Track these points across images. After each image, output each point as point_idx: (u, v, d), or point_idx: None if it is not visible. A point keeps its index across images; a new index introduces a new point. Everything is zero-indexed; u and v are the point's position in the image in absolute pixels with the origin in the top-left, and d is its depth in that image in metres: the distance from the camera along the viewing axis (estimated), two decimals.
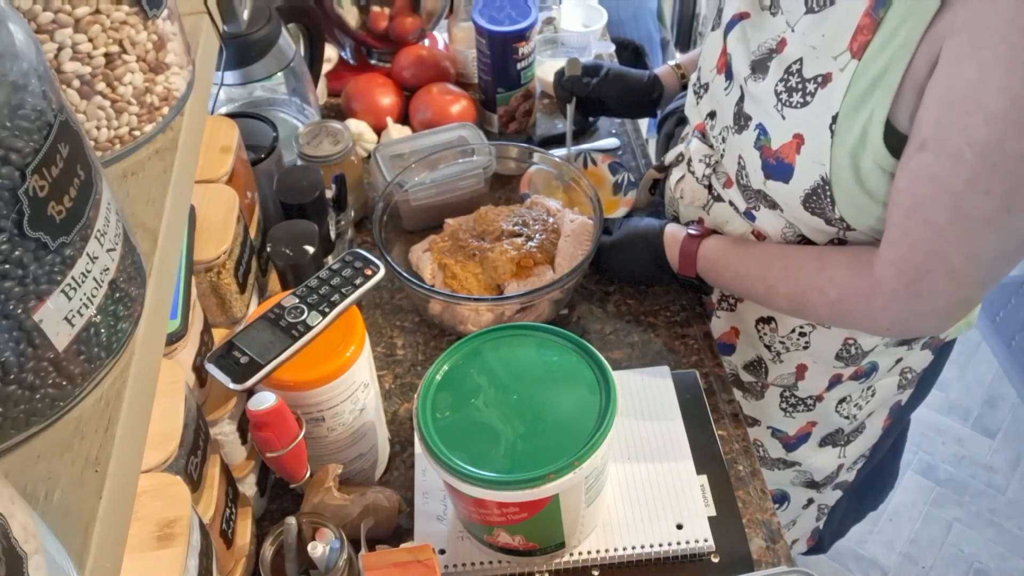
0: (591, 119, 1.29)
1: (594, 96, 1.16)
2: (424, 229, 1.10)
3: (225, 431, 0.77)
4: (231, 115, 1.01)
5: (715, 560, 0.81)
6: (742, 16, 0.87)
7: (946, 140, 0.69)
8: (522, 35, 1.17)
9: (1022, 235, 0.73)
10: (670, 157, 1.06)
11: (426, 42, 1.40)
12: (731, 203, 0.95)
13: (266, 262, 0.95)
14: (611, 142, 1.30)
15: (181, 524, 0.57)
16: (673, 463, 0.86)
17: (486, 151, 1.11)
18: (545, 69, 1.37)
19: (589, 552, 0.80)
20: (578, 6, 1.51)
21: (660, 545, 0.80)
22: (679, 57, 1.23)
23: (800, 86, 0.78)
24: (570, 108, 1.17)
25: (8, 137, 0.32)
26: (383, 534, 0.83)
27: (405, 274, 0.95)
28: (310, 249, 0.86)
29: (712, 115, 0.95)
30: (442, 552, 0.80)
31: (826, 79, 0.76)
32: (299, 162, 1.09)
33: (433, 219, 1.10)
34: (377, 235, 1.00)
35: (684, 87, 1.18)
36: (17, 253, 0.34)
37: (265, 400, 0.69)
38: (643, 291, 1.08)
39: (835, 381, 1.04)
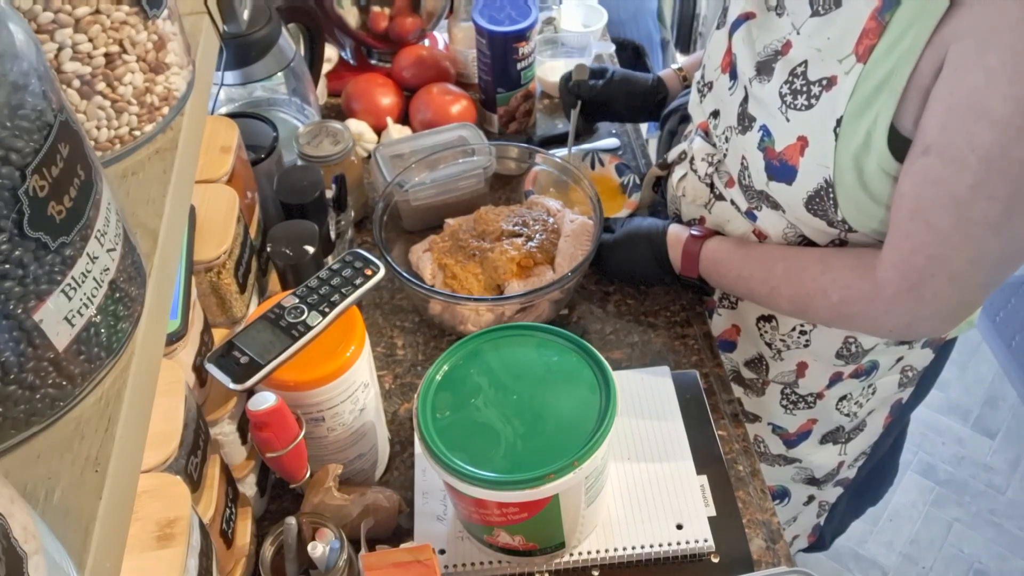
0: (595, 124, 1.29)
1: (600, 99, 1.16)
2: (424, 229, 1.10)
3: (225, 431, 0.77)
4: (231, 115, 1.01)
5: (715, 560, 0.81)
6: (748, 16, 0.87)
7: (950, 145, 0.69)
8: (522, 35, 1.17)
9: (1023, 239, 0.73)
10: (673, 155, 1.06)
11: (426, 42, 1.40)
12: (733, 202, 0.95)
13: (266, 262, 0.95)
14: (611, 142, 1.30)
15: (181, 524, 0.57)
16: (673, 463, 0.86)
17: (486, 151, 1.11)
18: (545, 69, 1.37)
19: (589, 552, 0.80)
20: (578, 6, 1.51)
21: (660, 545, 0.80)
22: (681, 60, 1.23)
23: (805, 89, 0.78)
24: (574, 113, 1.18)
25: (8, 137, 0.32)
26: (383, 534, 0.83)
27: (405, 274, 0.95)
28: (310, 249, 0.86)
29: (715, 114, 0.95)
30: (442, 552, 0.80)
31: (831, 82, 0.76)
32: (299, 162, 1.09)
33: (433, 219, 1.10)
34: (377, 235, 1.00)
35: (686, 90, 1.18)
36: (17, 253, 0.34)
37: (265, 400, 0.69)
38: (643, 291, 1.08)
39: (835, 379, 1.04)
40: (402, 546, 0.72)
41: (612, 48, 1.47)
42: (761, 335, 1.04)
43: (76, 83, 0.48)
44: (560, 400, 0.73)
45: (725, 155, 0.93)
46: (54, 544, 0.31)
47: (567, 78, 1.18)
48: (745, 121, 0.87)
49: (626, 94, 1.17)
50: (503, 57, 1.19)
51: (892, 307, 0.80)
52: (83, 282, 0.37)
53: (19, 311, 0.34)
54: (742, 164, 0.89)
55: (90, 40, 0.48)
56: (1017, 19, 0.64)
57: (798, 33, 0.80)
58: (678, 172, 1.03)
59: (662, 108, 1.19)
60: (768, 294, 0.91)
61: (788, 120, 0.80)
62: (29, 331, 0.35)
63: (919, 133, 0.72)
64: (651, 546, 0.80)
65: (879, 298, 0.80)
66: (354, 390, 0.78)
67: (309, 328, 0.73)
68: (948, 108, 0.69)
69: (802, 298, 0.87)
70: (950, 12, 0.67)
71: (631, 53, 1.59)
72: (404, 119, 1.31)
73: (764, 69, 0.83)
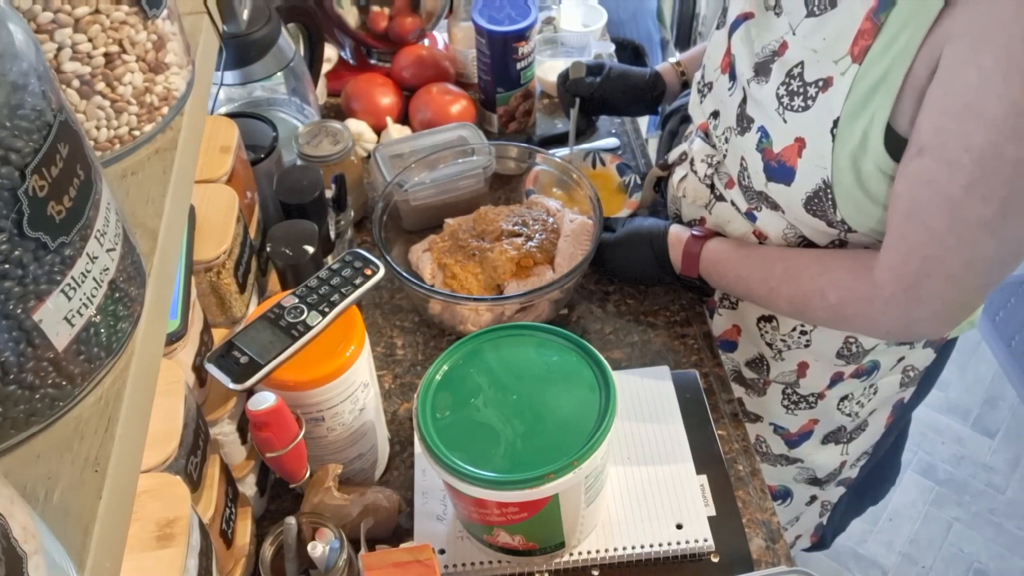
0: (594, 119, 1.30)
1: (598, 95, 1.16)
2: (424, 229, 1.10)
3: (225, 431, 0.77)
4: (231, 115, 1.01)
5: (715, 560, 0.81)
6: (746, 16, 0.87)
7: (945, 146, 0.69)
8: (522, 35, 1.17)
9: (1020, 240, 0.73)
10: (673, 156, 1.06)
11: (426, 42, 1.40)
12: (733, 203, 0.95)
13: (266, 262, 0.95)
14: (611, 142, 1.30)
15: (181, 524, 0.57)
16: (673, 463, 0.86)
17: (486, 151, 1.11)
18: (545, 69, 1.37)
19: (589, 552, 0.80)
20: (578, 6, 1.51)
21: (660, 545, 0.80)
22: (679, 55, 1.23)
23: (801, 90, 0.78)
24: (573, 111, 1.18)
25: (8, 137, 0.32)
26: (383, 534, 0.83)
27: (405, 274, 0.95)
28: (310, 249, 0.86)
29: (715, 115, 0.95)
30: (442, 552, 0.80)
31: (827, 83, 0.76)
32: (299, 162, 1.09)
33: (433, 219, 1.10)
34: (377, 235, 1.00)
35: (684, 84, 1.18)
36: (17, 253, 0.34)
37: (265, 400, 0.69)
38: (643, 291, 1.08)
39: (836, 379, 1.04)
40: (402, 546, 0.72)
41: (612, 48, 1.47)
42: (762, 335, 1.04)
43: (76, 83, 0.48)
44: (560, 400, 0.73)
45: (725, 156, 0.93)
46: (54, 544, 0.31)
47: (564, 76, 1.18)
48: (744, 122, 0.87)
49: (623, 89, 1.17)
50: (503, 57, 1.19)
51: (889, 308, 0.80)
52: (83, 282, 0.37)
53: (19, 311, 0.34)
54: (741, 165, 0.89)
55: (90, 40, 0.48)
56: (1011, 19, 0.64)
57: (794, 34, 0.80)
58: (679, 173, 1.03)
59: (659, 102, 1.19)
60: (767, 295, 0.91)
61: (785, 121, 0.80)
62: (29, 331, 0.35)
63: (914, 133, 0.72)
64: (651, 546, 0.80)
65: (876, 299, 0.80)
66: (354, 390, 0.78)
67: (309, 328, 0.73)
68: (942, 109, 0.69)
69: (800, 299, 0.87)
70: (945, 12, 0.67)
71: (631, 53, 1.59)
72: (404, 119, 1.31)
73: (762, 70, 0.83)
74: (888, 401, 1.11)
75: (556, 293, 0.97)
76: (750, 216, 0.93)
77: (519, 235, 1.03)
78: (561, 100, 1.21)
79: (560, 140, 1.31)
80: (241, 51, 1.07)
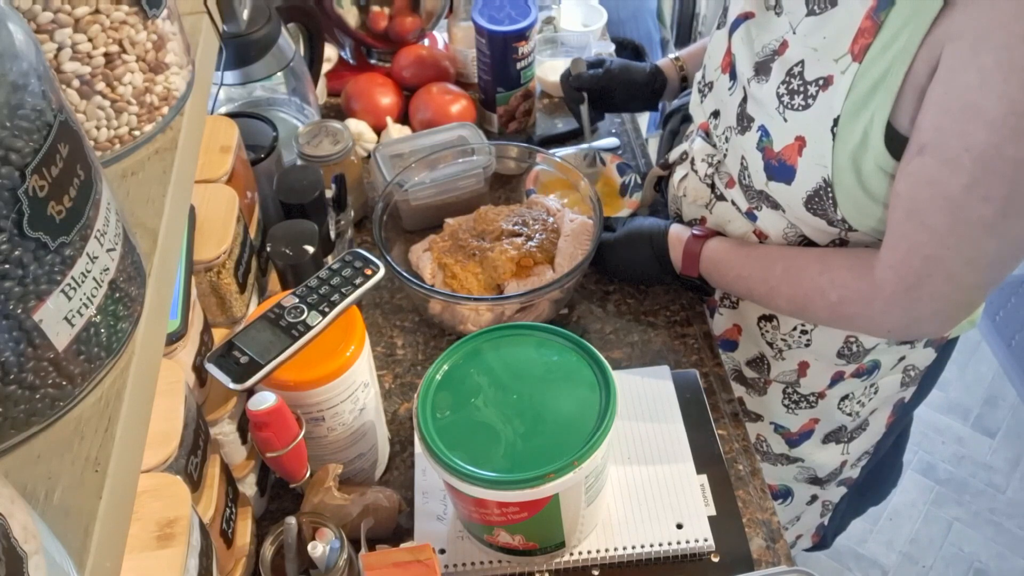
0: (602, 114, 1.30)
1: (600, 88, 1.17)
2: (424, 229, 1.10)
3: (225, 431, 0.77)
4: (231, 115, 1.01)
5: (715, 560, 0.81)
6: (747, 16, 0.87)
7: (945, 145, 0.69)
8: (522, 35, 1.17)
9: (1020, 239, 0.73)
10: (674, 155, 1.06)
11: (426, 42, 1.40)
12: (733, 203, 0.95)
13: (266, 262, 0.95)
14: (611, 141, 1.30)
15: (181, 524, 0.57)
16: (673, 463, 0.86)
17: (486, 151, 1.11)
18: (545, 69, 1.37)
19: (589, 552, 0.80)
20: (578, 6, 1.51)
21: (660, 545, 0.80)
22: (678, 52, 1.23)
23: (802, 89, 0.78)
24: (583, 108, 1.18)
25: (8, 137, 0.32)
26: (383, 534, 0.83)
27: (405, 274, 0.95)
28: (310, 249, 0.86)
29: (716, 114, 0.95)
30: (442, 552, 0.80)
31: (827, 82, 0.76)
32: (299, 162, 1.09)
33: (433, 219, 1.10)
34: (377, 235, 1.00)
35: (683, 79, 1.19)
36: (17, 253, 0.34)
37: (265, 400, 0.69)
38: (643, 291, 1.08)
39: (837, 378, 1.04)
40: (402, 546, 0.72)
41: (612, 48, 1.47)
42: (762, 334, 1.04)
43: (76, 83, 0.48)
44: (560, 400, 0.73)
45: (725, 155, 0.93)
46: (54, 544, 0.31)
47: (567, 75, 1.19)
48: (744, 121, 0.87)
49: (625, 83, 1.17)
50: (503, 57, 1.19)
51: (890, 307, 0.80)
52: (83, 282, 0.37)
53: (19, 311, 0.34)
54: (742, 164, 0.89)
55: (89, 40, 0.48)
56: (1011, 18, 0.64)
57: (794, 33, 0.80)
58: (679, 172, 1.03)
59: (659, 97, 1.19)
60: (767, 294, 0.91)
61: (786, 120, 0.80)
62: (29, 331, 0.35)
63: (915, 133, 0.72)
64: (651, 545, 0.80)
65: (877, 298, 0.80)
66: (354, 390, 0.78)
67: (309, 328, 0.73)
68: (942, 108, 0.69)
69: (800, 298, 0.87)
70: (944, 11, 0.67)
71: (631, 53, 1.59)
72: (404, 119, 1.31)
73: (762, 69, 0.83)
74: (889, 401, 1.11)
75: (556, 293, 0.97)
76: (751, 215, 0.93)
77: (519, 235, 1.03)
78: (568, 98, 1.21)
79: (560, 140, 1.31)
80: (241, 51, 1.07)
